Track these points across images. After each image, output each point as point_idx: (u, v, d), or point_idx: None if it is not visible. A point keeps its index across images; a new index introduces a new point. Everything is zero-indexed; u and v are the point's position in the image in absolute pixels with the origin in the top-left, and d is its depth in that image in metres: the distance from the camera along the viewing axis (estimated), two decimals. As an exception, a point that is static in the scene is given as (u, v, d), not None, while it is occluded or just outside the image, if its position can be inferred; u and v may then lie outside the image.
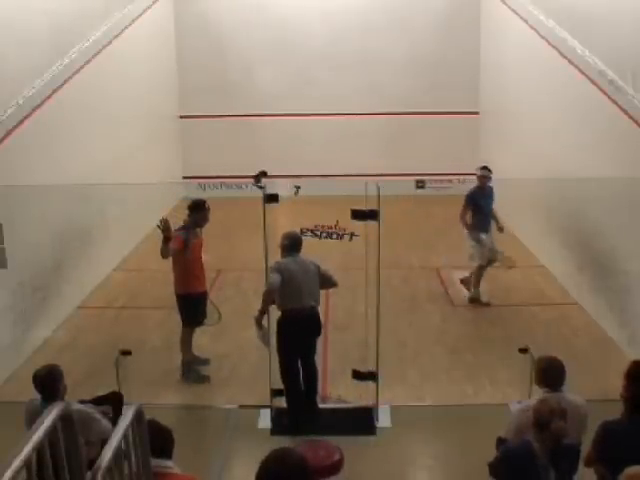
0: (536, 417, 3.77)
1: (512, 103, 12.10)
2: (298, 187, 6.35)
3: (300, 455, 2.70)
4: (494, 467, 3.97)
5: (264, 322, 6.07)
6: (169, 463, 3.93)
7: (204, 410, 6.55)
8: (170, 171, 14.13)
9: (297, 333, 6.02)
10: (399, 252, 10.61)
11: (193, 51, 14.45)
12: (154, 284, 9.34)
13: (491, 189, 8.95)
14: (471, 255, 8.84)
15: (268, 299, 6.01)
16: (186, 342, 7.03)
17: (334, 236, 6.08)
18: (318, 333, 6.19)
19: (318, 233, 6.09)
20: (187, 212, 6.96)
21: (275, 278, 5.92)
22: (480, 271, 8.88)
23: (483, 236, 8.72)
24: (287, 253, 6.11)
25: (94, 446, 3.96)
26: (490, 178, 8.87)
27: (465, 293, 9.08)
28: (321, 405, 6.34)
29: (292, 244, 6.10)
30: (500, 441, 5.01)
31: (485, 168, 8.98)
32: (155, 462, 3.81)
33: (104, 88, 10.13)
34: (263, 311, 6.03)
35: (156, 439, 3.96)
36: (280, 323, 6.02)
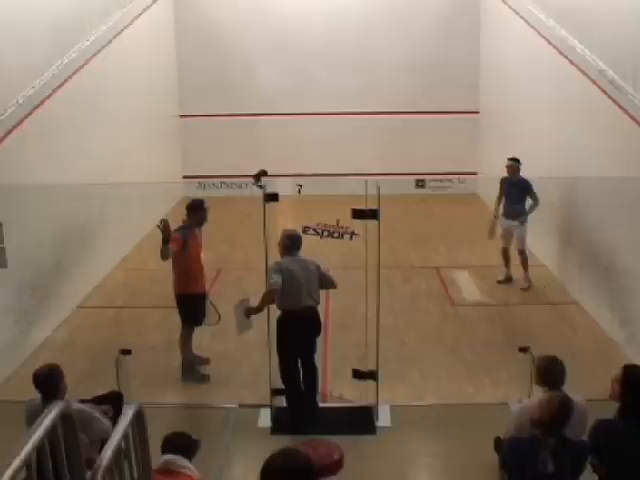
0: (546, 411, 3.84)
1: (512, 103, 12.10)
2: (300, 186, 6.37)
3: (304, 454, 2.71)
4: (503, 458, 4.03)
5: (253, 318, 6.11)
6: (187, 463, 3.97)
7: (204, 409, 6.55)
8: (170, 171, 14.13)
9: (297, 333, 6.01)
10: (399, 252, 10.61)
11: (193, 51, 14.45)
12: (154, 283, 9.34)
13: (521, 180, 9.28)
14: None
15: (268, 300, 6.01)
16: (186, 342, 7.03)
17: (335, 235, 6.09)
18: (318, 333, 6.19)
19: (320, 231, 6.10)
20: (185, 212, 6.95)
21: (277, 279, 5.91)
22: (502, 252, 9.55)
23: (502, 220, 9.44)
24: (287, 252, 6.09)
25: (95, 445, 3.97)
26: (516, 168, 9.30)
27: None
28: (321, 404, 6.34)
29: (293, 243, 6.08)
30: (498, 442, 5.03)
31: (511, 159, 9.39)
32: (171, 457, 3.86)
33: (104, 88, 10.13)
34: (259, 309, 6.03)
35: (181, 440, 4.01)
36: (280, 322, 6.02)
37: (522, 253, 9.35)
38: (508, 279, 9.57)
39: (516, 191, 9.28)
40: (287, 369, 6.13)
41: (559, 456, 3.73)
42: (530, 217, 9.28)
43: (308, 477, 2.64)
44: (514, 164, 9.33)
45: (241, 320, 6.15)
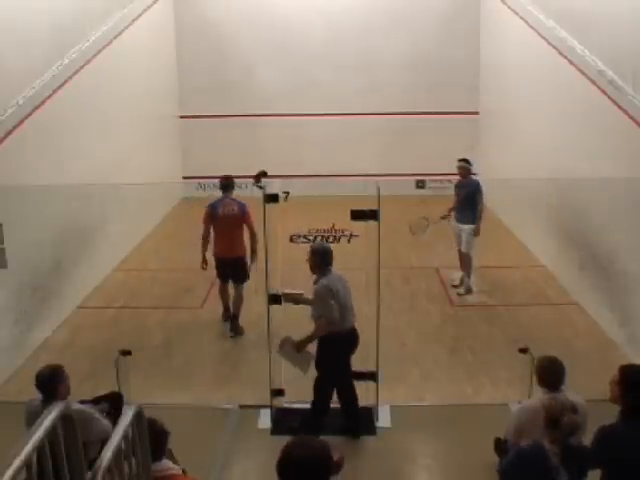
0: (548, 414, 3.75)
1: (512, 103, 12.10)
2: (287, 192, 6.02)
3: (323, 442, 2.66)
4: (505, 472, 3.89)
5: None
6: (170, 464, 3.95)
7: (204, 410, 6.54)
8: (170, 171, 14.13)
9: (343, 354, 5.86)
10: (399, 252, 10.61)
11: (193, 51, 14.45)
12: (154, 284, 9.34)
13: (470, 183, 9.14)
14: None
15: (325, 331, 5.69)
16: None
17: (330, 240, 6.00)
18: (355, 349, 6.03)
19: (311, 238, 5.99)
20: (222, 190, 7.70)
21: (334, 308, 5.60)
22: (458, 255, 9.40)
23: (453, 223, 9.27)
24: (323, 269, 5.76)
25: (94, 446, 3.96)
26: (466, 169, 9.17)
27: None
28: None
29: (325, 258, 5.76)
30: (498, 442, 5.01)
31: (461, 160, 9.25)
32: (159, 466, 3.84)
33: (104, 88, 10.13)
34: (312, 340, 5.78)
35: (154, 440, 3.97)
36: (327, 343, 5.75)
37: (465, 255, 9.21)
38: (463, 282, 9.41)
39: (464, 193, 9.06)
40: (326, 386, 5.91)
41: (568, 464, 3.67)
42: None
43: (326, 464, 2.61)
44: (464, 165, 9.15)
45: (296, 359, 5.89)
